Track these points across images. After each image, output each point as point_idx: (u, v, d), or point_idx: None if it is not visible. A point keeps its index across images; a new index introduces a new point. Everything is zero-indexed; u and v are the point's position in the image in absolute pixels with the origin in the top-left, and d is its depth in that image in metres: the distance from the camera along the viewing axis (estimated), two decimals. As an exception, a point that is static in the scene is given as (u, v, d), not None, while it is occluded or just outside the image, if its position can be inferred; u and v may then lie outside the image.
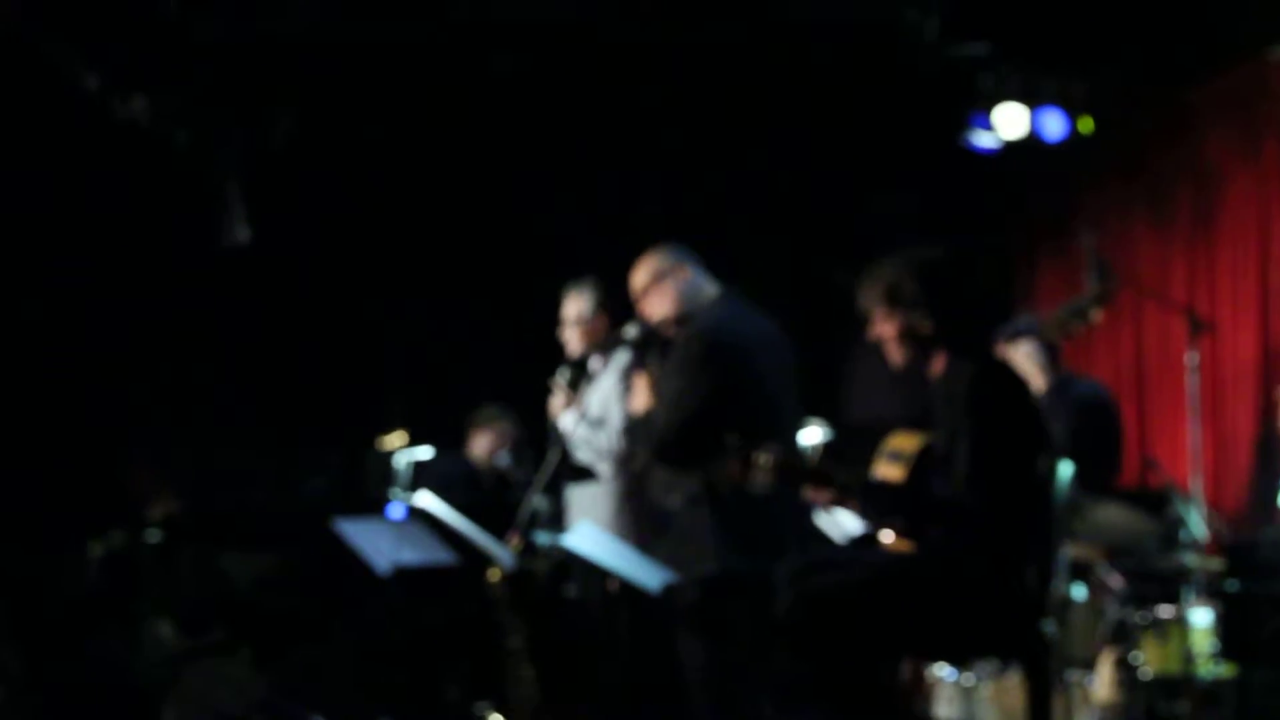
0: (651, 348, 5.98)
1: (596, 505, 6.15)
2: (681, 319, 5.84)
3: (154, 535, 8.60)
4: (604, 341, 6.24)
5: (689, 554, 5.66)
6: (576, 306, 6.42)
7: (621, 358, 6.22)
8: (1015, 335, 6.85)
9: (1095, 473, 6.28)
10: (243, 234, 7.54)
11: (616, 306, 6.37)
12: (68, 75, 7.10)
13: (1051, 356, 6.82)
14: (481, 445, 8.11)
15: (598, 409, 6.19)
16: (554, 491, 6.37)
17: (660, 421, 5.69)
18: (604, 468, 6.16)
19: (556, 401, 6.30)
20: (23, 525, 8.13)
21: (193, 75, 7.28)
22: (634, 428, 5.98)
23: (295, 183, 8.55)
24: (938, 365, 4.88)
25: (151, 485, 9.15)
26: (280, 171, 8.01)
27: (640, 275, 5.94)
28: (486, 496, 7.83)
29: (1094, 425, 6.68)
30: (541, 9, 7.46)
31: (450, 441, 8.18)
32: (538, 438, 6.55)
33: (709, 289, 5.90)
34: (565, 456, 6.14)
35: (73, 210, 8.68)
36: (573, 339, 6.42)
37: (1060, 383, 6.79)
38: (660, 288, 5.88)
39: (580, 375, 6.40)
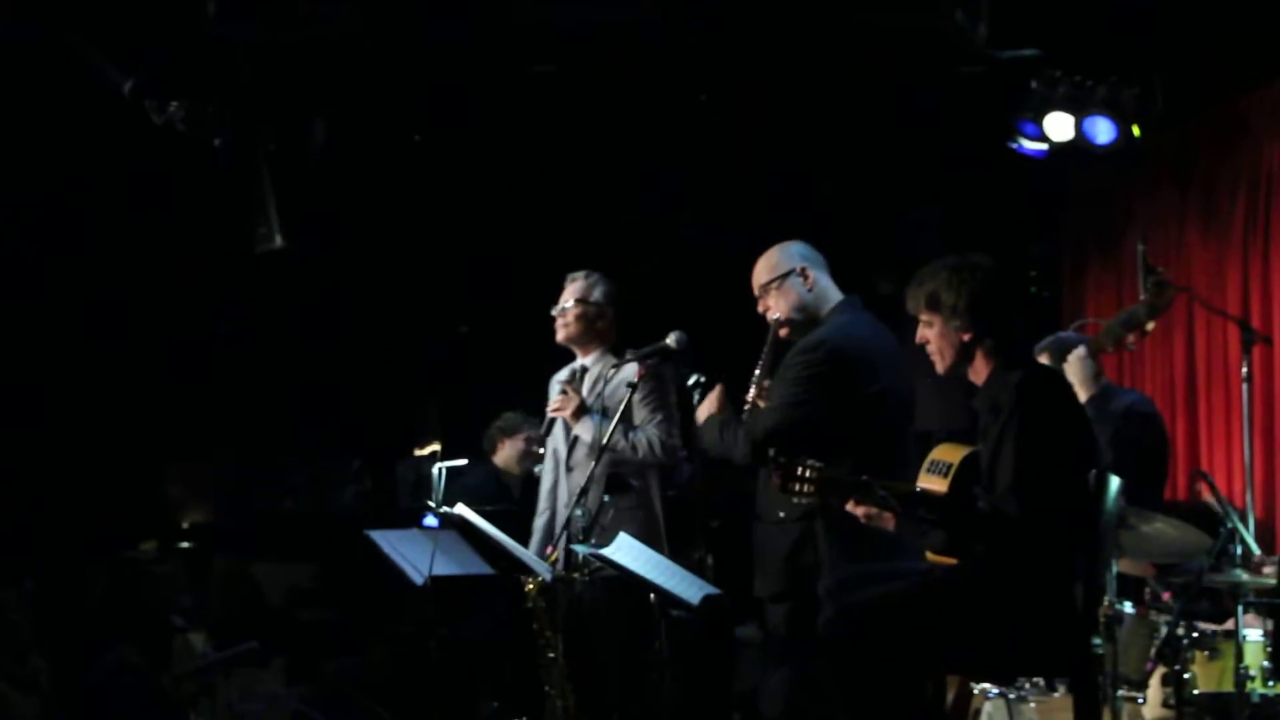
0: (673, 361, 5.90)
1: (622, 517, 6.05)
2: (799, 323, 5.73)
3: (186, 545, 8.60)
4: (645, 350, 6.13)
5: (798, 568, 5.55)
6: (563, 296, 6.35)
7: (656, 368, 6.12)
8: (1061, 348, 6.73)
9: (1138, 485, 6.14)
10: (278, 241, 7.50)
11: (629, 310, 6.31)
12: (103, 81, 7.07)
13: (1095, 368, 6.70)
14: (508, 454, 8.03)
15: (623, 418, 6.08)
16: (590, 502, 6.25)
17: (769, 422, 5.56)
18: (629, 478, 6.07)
19: (557, 402, 6.21)
20: (54, 534, 8.13)
21: (230, 81, 7.24)
22: (701, 431, 5.85)
23: (330, 191, 8.52)
24: (980, 373, 4.79)
25: (184, 495, 9.15)
26: (315, 179, 7.97)
27: (762, 270, 5.82)
28: (519, 507, 7.75)
29: (1135, 436, 6.55)
30: (579, 17, 7.38)
31: (482, 452, 8.12)
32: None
33: (832, 295, 5.78)
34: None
35: (107, 220, 8.69)
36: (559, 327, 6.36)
37: (1102, 393, 6.67)
38: (783, 287, 5.76)
39: (576, 375, 6.31)
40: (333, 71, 7.68)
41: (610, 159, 8.75)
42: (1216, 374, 8.00)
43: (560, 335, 6.36)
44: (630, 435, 6.10)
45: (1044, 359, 6.65)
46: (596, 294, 6.33)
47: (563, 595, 6.00)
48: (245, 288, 9.04)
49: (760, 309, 5.84)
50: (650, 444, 6.09)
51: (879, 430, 5.52)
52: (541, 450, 6.60)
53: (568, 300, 6.33)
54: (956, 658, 4.80)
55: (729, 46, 7.82)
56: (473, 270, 9.60)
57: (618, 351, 6.30)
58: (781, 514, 5.61)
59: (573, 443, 6.28)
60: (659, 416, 6.13)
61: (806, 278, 5.75)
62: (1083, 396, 6.45)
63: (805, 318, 5.74)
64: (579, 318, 6.32)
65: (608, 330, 6.35)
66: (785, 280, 5.76)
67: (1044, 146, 7.77)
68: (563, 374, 6.34)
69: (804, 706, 5.50)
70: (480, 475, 7.92)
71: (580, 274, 6.38)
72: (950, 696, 5.69)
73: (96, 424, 9.00)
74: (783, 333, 5.77)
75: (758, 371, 5.78)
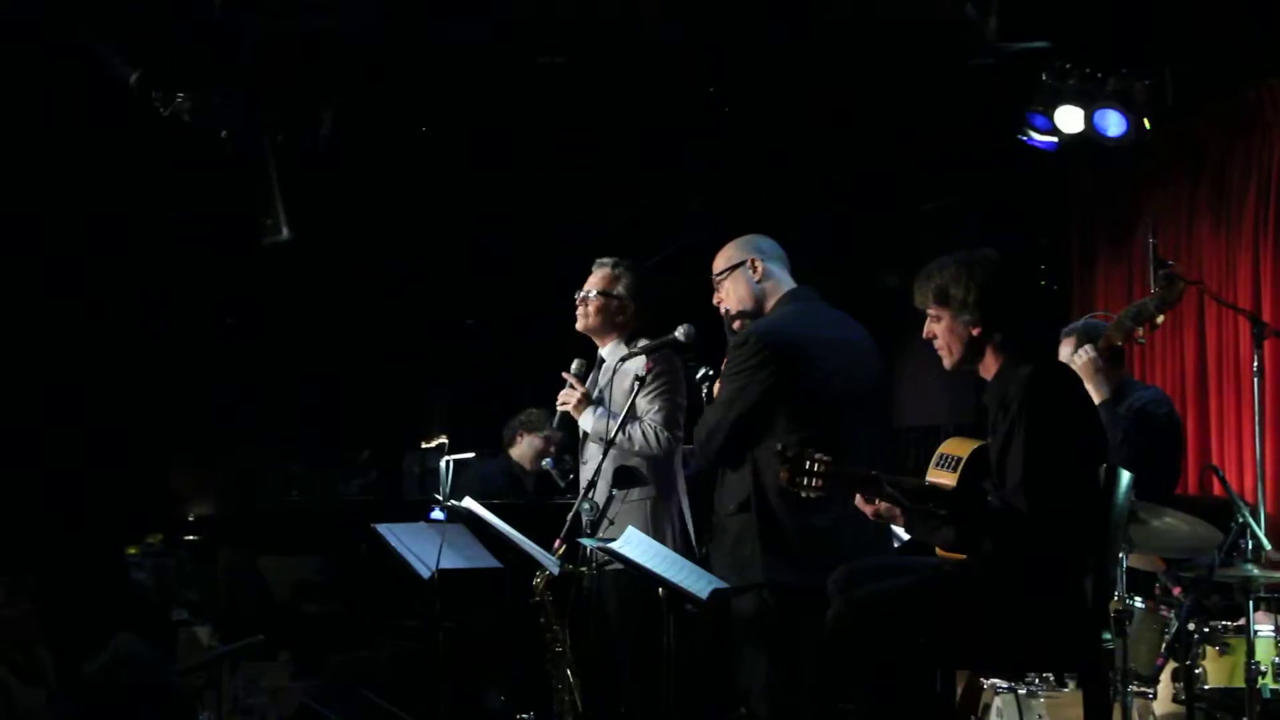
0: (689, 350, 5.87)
1: (631, 512, 6.02)
2: (746, 314, 5.72)
3: (192, 538, 8.59)
4: (653, 343, 6.09)
5: (741, 561, 5.53)
6: (588, 282, 6.29)
7: (663, 358, 6.08)
8: (1088, 334, 6.68)
9: (1151, 481, 6.12)
10: (285, 233, 7.50)
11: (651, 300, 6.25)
12: (110, 72, 7.06)
13: (1112, 361, 6.65)
14: (525, 448, 8.00)
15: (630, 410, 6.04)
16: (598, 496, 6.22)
17: (709, 422, 5.57)
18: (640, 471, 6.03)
19: (562, 394, 6.17)
20: (60, 526, 8.13)
21: (236, 72, 7.23)
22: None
23: (337, 182, 8.50)
24: (989, 367, 4.76)
25: (190, 488, 9.15)
26: (322, 171, 7.96)
27: (718, 261, 5.83)
28: (531, 500, 7.74)
29: (1148, 432, 6.51)
30: (588, 7, 7.36)
31: (492, 445, 8.10)
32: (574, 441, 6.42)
33: (783, 286, 5.76)
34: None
35: (113, 213, 8.68)
36: (579, 314, 6.30)
37: (1119, 388, 6.63)
38: (734, 278, 5.76)
39: (587, 368, 6.25)
40: (340, 62, 7.66)
41: (618, 150, 8.73)
42: (1228, 368, 7.96)
43: (579, 324, 6.28)
44: (628, 427, 6.03)
45: (1069, 343, 6.60)
46: (620, 287, 6.24)
47: (571, 589, 5.97)
48: (252, 279, 9.03)
49: (714, 300, 5.84)
50: (645, 436, 6.00)
51: (818, 421, 5.44)
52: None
53: (591, 289, 6.26)
54: (966, 652, 4.76)
55: (738, 38, 7.79)
56: (480, 263, 9.58)
57: (632, 341, 6.22)
58: (732, 506, 5.60)
59: (584, 436, 6.24)
60: (657, 406, 6.04)
61: (756, 269, 5.74)
62: (1096, 394, 6.42)
63: (753, 309, 5.73)
64: (599, 310, 6.23)
65: (628, 323, 6.26)
66: (734, 272, 5.76)
67: (1054, 139, 7.75)
68: (574, 365, 6.26)
69: (790, 702, 5.47)
70: (492, 466, 7.89)
71: (609, 261, 6.29)
72: (959, 691, 5.68)
73: (102, 416, 9.00)
74: (736, 325, 5.76)
75: (723, 366, 5.77)
